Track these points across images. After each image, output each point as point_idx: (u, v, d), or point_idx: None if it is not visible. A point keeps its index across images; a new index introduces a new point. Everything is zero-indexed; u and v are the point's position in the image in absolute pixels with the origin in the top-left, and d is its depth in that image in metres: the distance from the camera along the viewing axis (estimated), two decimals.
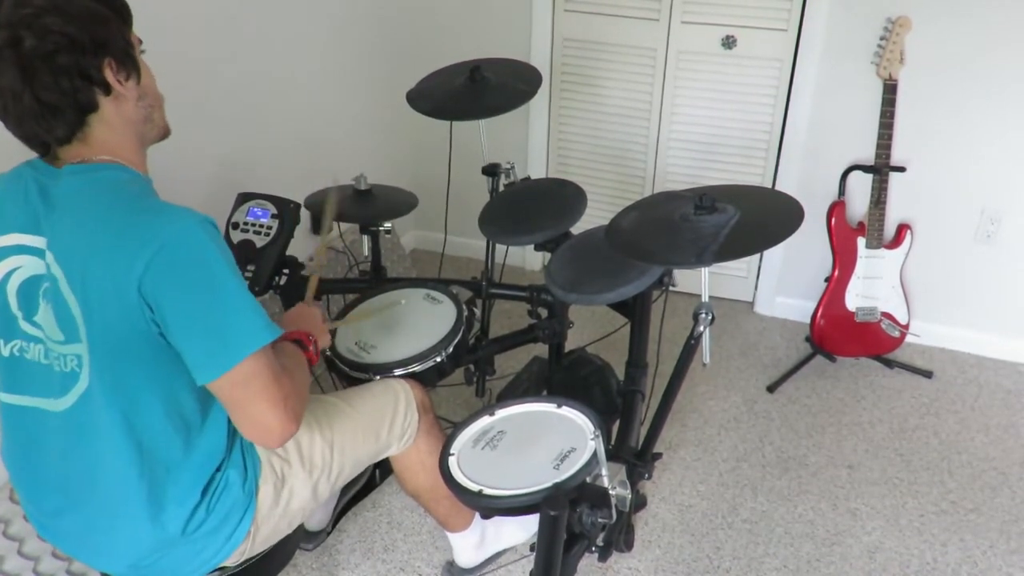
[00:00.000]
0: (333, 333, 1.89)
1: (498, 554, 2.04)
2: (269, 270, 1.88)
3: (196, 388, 1.25)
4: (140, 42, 1.29)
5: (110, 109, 1.22)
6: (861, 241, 2.72)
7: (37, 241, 1.22)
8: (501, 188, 2.27)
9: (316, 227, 2.15)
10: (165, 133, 1.35)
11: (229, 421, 1.33)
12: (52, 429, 1.28)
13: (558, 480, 1.42)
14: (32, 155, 1.27)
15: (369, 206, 2.16)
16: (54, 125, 1.19)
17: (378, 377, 1.78)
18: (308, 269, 1.91)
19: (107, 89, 1.21)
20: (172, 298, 1.16)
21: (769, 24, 2.80)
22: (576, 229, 2.06)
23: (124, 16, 1.24)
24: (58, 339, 1.23)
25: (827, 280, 2.78)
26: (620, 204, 1.95)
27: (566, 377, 2.28)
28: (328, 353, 1.87)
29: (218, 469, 1.35)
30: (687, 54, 2.94)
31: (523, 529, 2.01)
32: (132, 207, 1.20)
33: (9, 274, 1.25)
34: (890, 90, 2.61)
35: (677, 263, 1.61)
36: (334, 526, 2.15)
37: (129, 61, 1.23)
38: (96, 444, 1.26)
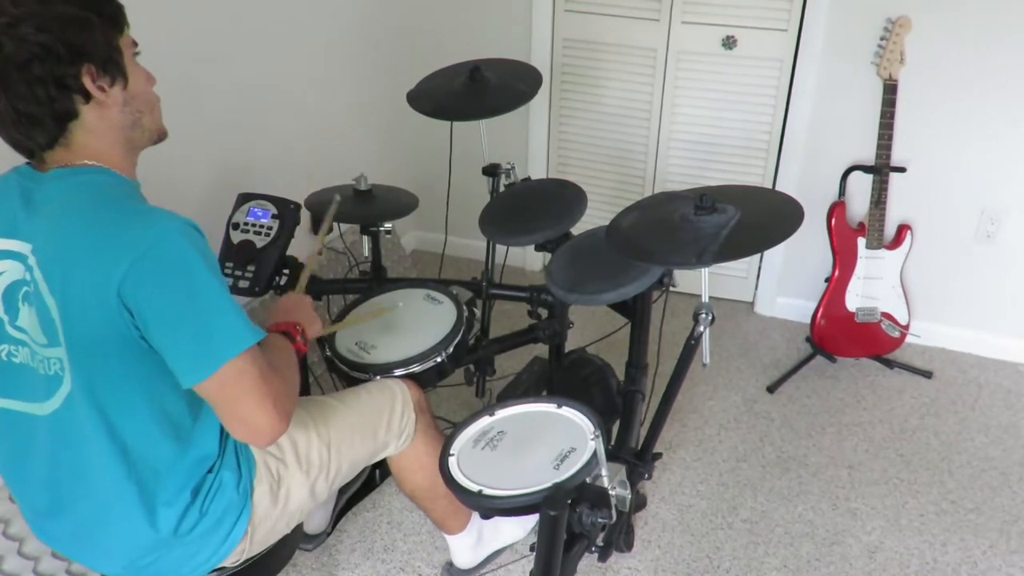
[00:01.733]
0: (333, 336, 1.89)
1: (496, 553, 2.04)
2: (269, 270, 1.88)
3: (183, 390, 1.23)
4: (135, 45, 1.26)
5: (92, 115, 1.20)
6: (861, 241, 2.72)
7: (17, 245, 1.21)
8: (501, 188, 2.27)
9: (316, 227, 2.15)
10: (160, 137, 1.33)
11: None
12: (39, 433, 1.28)
13: (558, 480, 1.43)
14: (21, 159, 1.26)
15: (369, 206, 2.16)
16: (34, 133, 1.18)
17: (378, 377, 1.78)
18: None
19: (87, 96, 1.18)
20: (153, 303, 1.15)
21: (769, 24, 2.80)
22: (576, 230, 2.06)
23: (113, 20, 1.20)
24: (41, 342, 1.22)
25: (827, 280, 2.78)
26: (620, 204, 1.95)
27: (566, 377, 2.28)
28: (328, 353, 1.87)
29: (210, 471, 1.34)
30: (687, 54, 2.94)
31: (521, 527, 2.01)
32: (113, 211, 1.18)
33: None
34: (890, 90, 2.61)
35: (677, 263, 1.61)
36: (333, 527, 2.15)
37: (112, 67, 1.20)
38: (83, 446, 1.26)
